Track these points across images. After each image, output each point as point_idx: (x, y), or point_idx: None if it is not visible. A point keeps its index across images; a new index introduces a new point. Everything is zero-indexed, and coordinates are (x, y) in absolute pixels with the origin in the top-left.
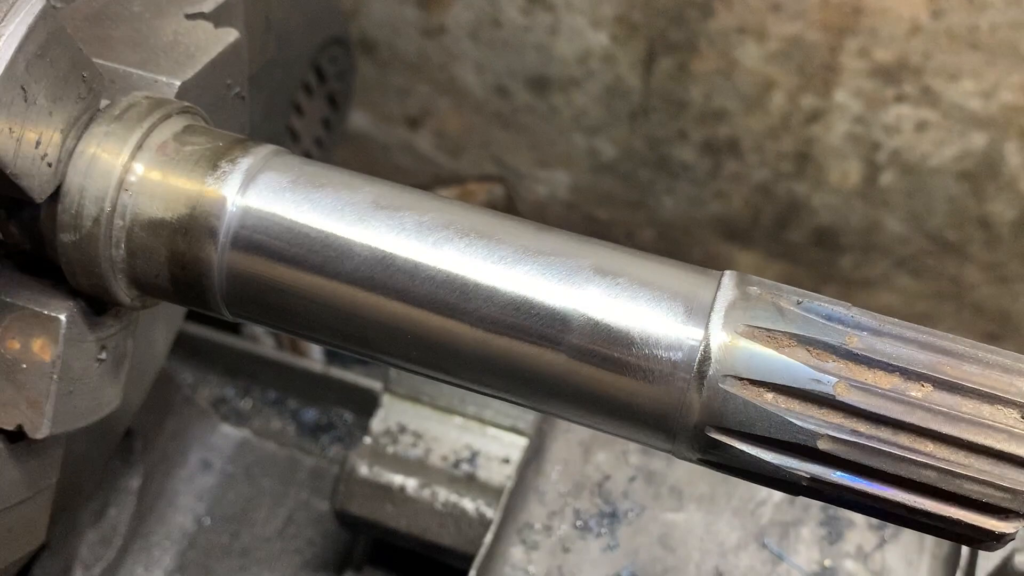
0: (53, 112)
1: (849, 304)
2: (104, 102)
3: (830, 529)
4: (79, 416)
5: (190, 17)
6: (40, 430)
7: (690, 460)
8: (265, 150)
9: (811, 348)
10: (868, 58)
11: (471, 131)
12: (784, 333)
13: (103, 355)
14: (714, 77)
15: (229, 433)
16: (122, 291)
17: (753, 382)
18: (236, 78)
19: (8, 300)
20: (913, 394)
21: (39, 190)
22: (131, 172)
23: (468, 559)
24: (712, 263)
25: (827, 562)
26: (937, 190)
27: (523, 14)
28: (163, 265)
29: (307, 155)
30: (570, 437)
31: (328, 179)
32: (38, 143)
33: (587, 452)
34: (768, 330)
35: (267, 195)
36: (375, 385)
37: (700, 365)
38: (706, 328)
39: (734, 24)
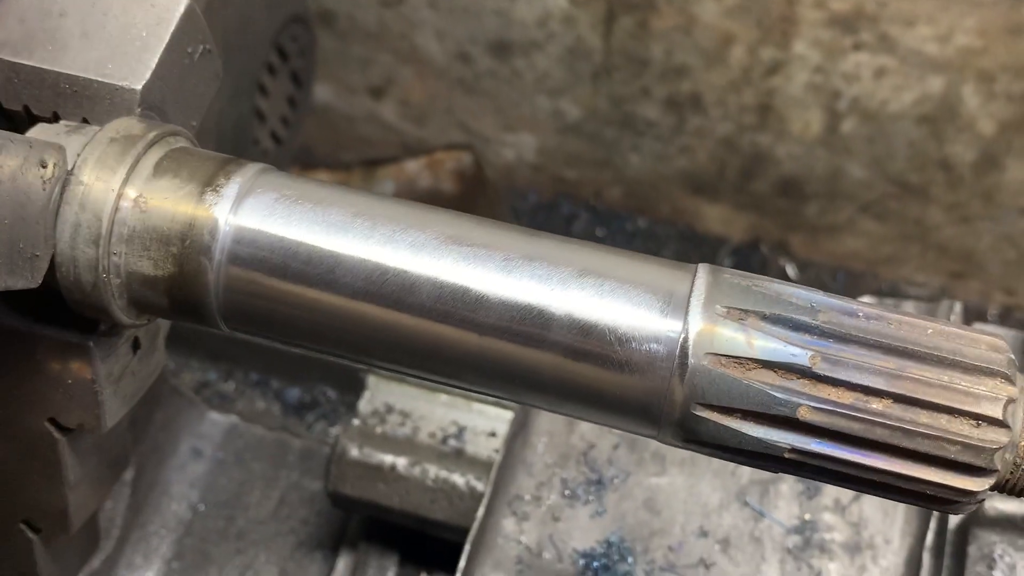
0: (25, 216)
1: (819, 303)
2: (71, 160)
3: (808, 484)
4: (133, 395)
5: None
6: (101, 428)
7: (675, 446)
8: (250, 171)
9: (777, 370)
10: (825, 8)
11: (435, 98)
12: (750, 359)
13: (138, 343)
14: (674, 34)
15: (217, 420)
16: (132, 321)
17: (722, 408)
18: (196, 42)
19: (38, 332)
20: (874, 407)
21: (34, 280)
22: (114, 235)
23: (461, 532)
24: (680, 217)
25: (807, 516)
26: (898, 135)
27: None
28: (165, 306)
29: (274, 135)
30: None
31: (317, 195)
32: (20, 248)
33: (571, 423)
34: (736, 358)
35: (258, 217)
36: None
37: (680, 357)
38: (684, 321)
39: None
